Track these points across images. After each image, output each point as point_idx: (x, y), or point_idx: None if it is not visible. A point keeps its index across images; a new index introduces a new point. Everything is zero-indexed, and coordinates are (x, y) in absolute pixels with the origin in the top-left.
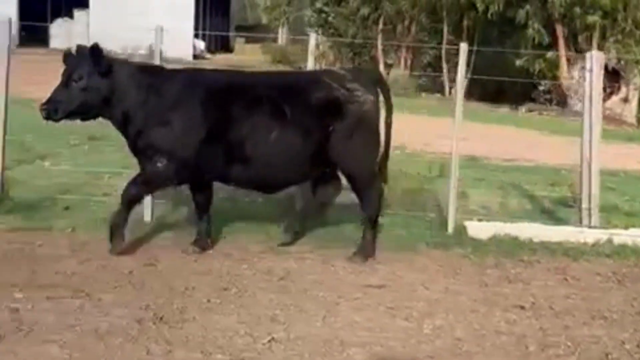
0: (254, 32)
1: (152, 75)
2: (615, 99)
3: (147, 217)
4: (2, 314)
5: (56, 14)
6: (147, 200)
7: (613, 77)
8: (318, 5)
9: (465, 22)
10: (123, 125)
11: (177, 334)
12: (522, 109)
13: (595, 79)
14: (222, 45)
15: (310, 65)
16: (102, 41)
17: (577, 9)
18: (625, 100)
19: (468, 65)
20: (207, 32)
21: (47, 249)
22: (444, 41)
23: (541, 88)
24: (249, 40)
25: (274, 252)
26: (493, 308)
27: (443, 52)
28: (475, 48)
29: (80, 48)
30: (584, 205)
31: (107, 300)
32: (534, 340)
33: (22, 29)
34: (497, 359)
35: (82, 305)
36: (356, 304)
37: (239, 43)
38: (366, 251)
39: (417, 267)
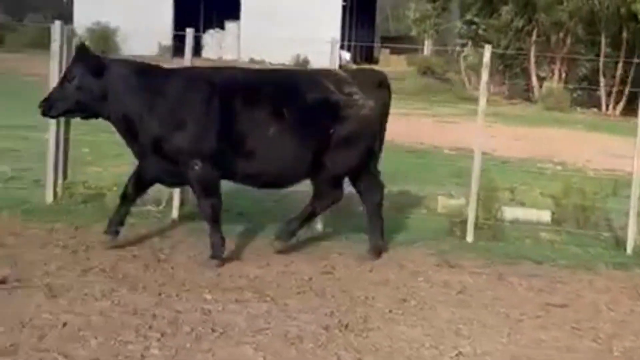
0: (398, 43)
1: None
2: None
3: (319, 226)
4: (195, 315)
5: (208, 25)
6: None
7: None
8: (468, 17)
9: (624, 34)
10: (125, 126)
11: (364, 343)
12: None
13: None
14: (366, 56)
15: (485, 78)
16: (251, 52)
17: None
18: None
19: (626, 78)
20: (353, 43)
21: (228, 254)
22: (602, 53)
23: None
24: (393, 52)
25: (447, 265)
26: None
27: (600, 64)
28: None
29: (77, 48)
30: None
31: (292, 306)
32: None
33: (176, 39)
34: None
35: (269, 309)
36: (540, 322)
37: (383, 54)
38: (378, 248)
39: (598, 287)
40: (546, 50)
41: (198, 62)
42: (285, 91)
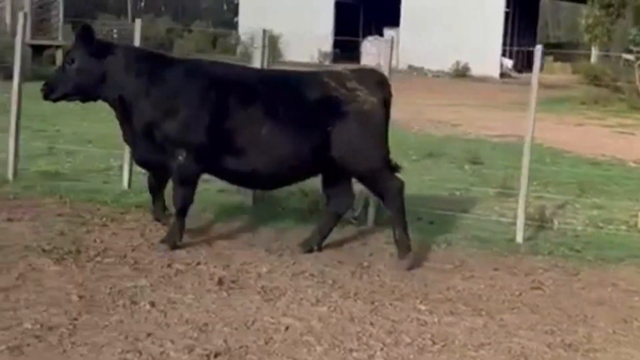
0: (561, 50)
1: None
2: None
3: (519, 239)
4: (412, 325)
5: (367, 32)
6: (520, 221)
7: None
8: None
9: None
10: (122, 110)
11: None
12: None
13: None
14: (528, 63)
15: None
16: (410, 59)
17: None
18: None
19: None
20: (515, 48)
21: (428, 262)
22: None
23: None
24: (556, 59)
25: None
26: None
27: None
28: None
29: (79, 30)
30: None
31: (509, 321)
32: None
33: (336, 45)
34: None
35: (486, 323)
36: None
37: (547, 61)
38: (408, 253)
39: None
40: None
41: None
42: (284, 89)
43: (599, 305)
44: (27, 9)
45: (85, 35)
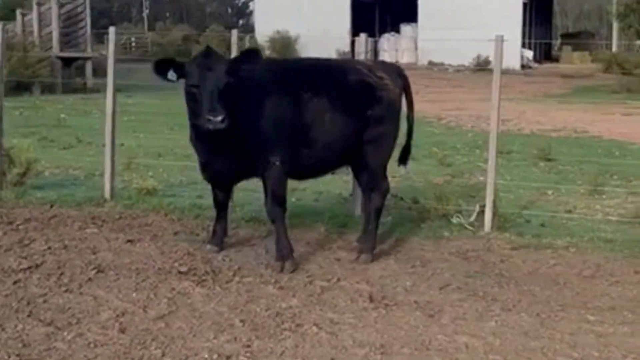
0: (577, 39)
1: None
2: None
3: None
4: (589, 337)
5: (384, 30)
6: None
7: None
8: None
9: None
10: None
11: None
12: None
13: None
14: (546, 54)
15: None
16: (428, 54)
17: None
18: None
19: None
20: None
21: (564, 268)
22: None
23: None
24: (575, 48)
25: None
26: None
27: None
28: None
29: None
30: None
31: None
32: None
33: (354, 44)
34: None
35: None
36: None
37: (565, 51)
38: (372, 246)
39: None
40: None
41: None
42: (332, 76)
43: None
44: (54, 22)
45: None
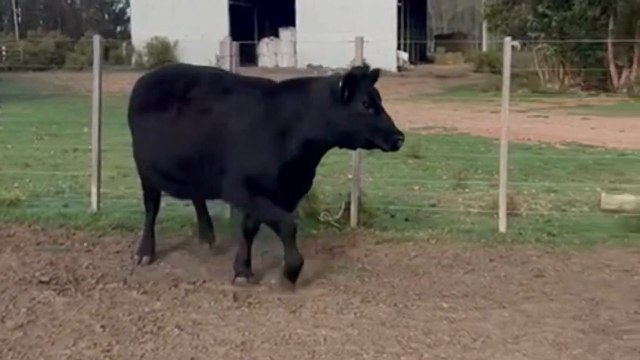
0: (451, 40)
1: None
2: None
3: (503, 228)
4: (442, 324)
5: (262, 34)
6: (502, 210)
7: None
8: (540, 9)
9: None
10: None
11: (628, 345)
12: None
13: None
14: (421, 55)
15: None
16: (308, 58)
17: None
18: None
19: None
20: (409, 42)
21: (424, 259)
22: None
23: None
24: (448, 49)
25: None
26: None
27: None
28: None
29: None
30: None
31: (533, 311)
32: None
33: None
34: None
35: (512, 315)
36: None
37: (439, 52)
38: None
39: None
40: (623, 39)
41: (253, 72)
42: None
43: (606, 287)
44: None
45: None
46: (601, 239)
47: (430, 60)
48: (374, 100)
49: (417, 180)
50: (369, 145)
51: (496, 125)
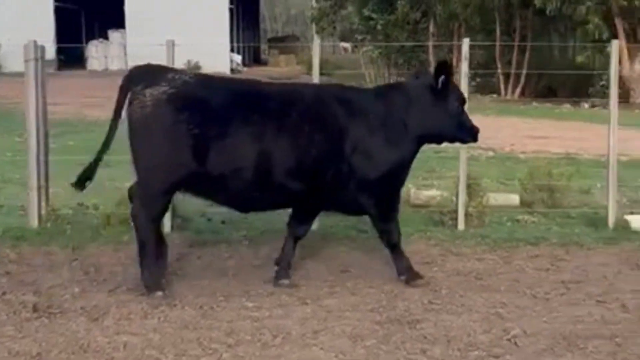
0: (284, 42)
1: None
2: None
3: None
4: (246, 323)
5: (91, 36)
6: None
7: None
8: (366, 12)
9: (517, 21)
10: None
11: (420, 334)
12: (585, 105)
13: None
14: (254, 58)
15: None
16: (139, 60)
17: (637, 2)
18: None
19: (521, 63)
20: (242, 45)
21: (236, 260)
22: (497, 41)
23: (601, 83)
24: (281, 51)
25: (452, 254)
26: None
27: (497, 52)
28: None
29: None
30: None
31: (334, 306)
32: None
33: (59, 52)
34: None
35: (314, 311)
36: (566, 299)
37: (272, 55)
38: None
39: (598, 262)
40: (443, 41)
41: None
42: None
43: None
44: None
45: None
46: (407, 233)
47: (264, 63)
48: (462, 98)
49: None
50: (454, 139)
51: None
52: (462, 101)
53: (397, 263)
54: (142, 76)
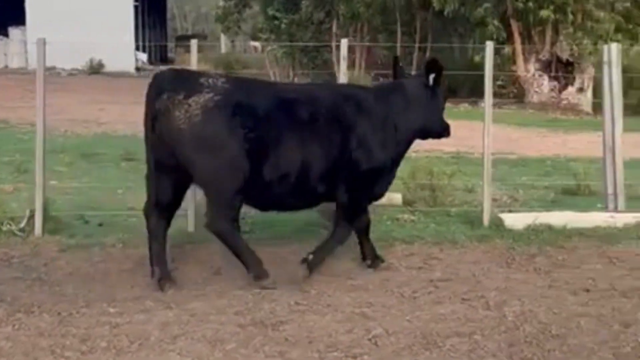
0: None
1: None
2: (571, 89)
3: (191, 228)
4: (104, 329)
5: None
6: (191, 212)
7: (567, 68)
8: (270, 12)
9: (417, 22)
10: None
11: (282, 336)
12: (482, 104)
13: (614, 71)
14: (161, 56)
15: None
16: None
17: (531, 4)
18: (581, 90)
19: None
20: (148, 43)
21: (108, 265)
22: (398, 41)
23: (498, 83)
24: (188, 50)
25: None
26: (562, 292)
27: (398, 52)
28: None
29: None
30: (609, 191)
31: (199, 309)
32: (614, 320)
33: None
34: (588, 339)
35: (178, 315)
36: (432, 297)
37: (179, 53)
38: None
39: (469, 260)
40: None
41: None
42: None
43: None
44: None
45: None
46: (287, 233)
47: (171, 61)
48: (447, 95)
49: (125, 184)
50: (439, 135)
51: None
52: (446, 98)
53: (317, 251)
54: (174, 83)
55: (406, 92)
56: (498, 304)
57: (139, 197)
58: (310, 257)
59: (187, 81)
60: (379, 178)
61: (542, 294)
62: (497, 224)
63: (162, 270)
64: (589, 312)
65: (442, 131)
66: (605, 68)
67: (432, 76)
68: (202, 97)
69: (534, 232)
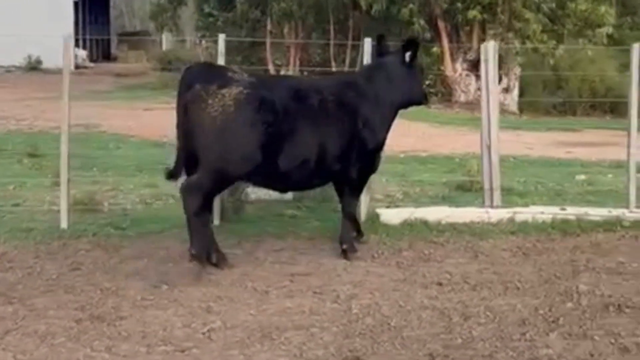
0: (136, 38)
1: None
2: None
3: (64, 225)
4: None
5: None
6: (63, 207)
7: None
8: (206, 9)
9: (350, 21)
10: None
11: (116, 331)
12: None
13: (491, 69)
14: (104, 53)
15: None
16: None
17: (459, 5)
18: (507, 90)
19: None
20: (88, 38)
21: None
22: (332, 40)
23: (426, 82)
24: (131, 47)
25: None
26: (414, 286)
27: (331, 50)
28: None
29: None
30: (486, 186)
31: (39, 305)
32: (456, 313)
33: None
34: (424, 331)
35: (15, 310)
36: (285, 291)
37: (122, 50)
38: None
39: (337, 253)
40: (280, 39)
41: None
42: None
43: (131, 277)
44: None
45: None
46: (159, 230)
47: (114, 59)
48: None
49: (19, 180)
50: (419, 103)
51: (142, 122)
52: (422, 71)
53: (344, 232)
54: (206, 75)
55: (388, 70)
56: (348, 297)
57: (31, 193)
58: (344, 246)
59: (218, 74)
60: (380, 151)
61: (394, 288)
62: (373, 220)
63: (217, 252)
64: (434, 305)
65: (422, 99)
66: (483, 66)
67: (408, 54)
68: (233, 90)
69: (409, 227)
